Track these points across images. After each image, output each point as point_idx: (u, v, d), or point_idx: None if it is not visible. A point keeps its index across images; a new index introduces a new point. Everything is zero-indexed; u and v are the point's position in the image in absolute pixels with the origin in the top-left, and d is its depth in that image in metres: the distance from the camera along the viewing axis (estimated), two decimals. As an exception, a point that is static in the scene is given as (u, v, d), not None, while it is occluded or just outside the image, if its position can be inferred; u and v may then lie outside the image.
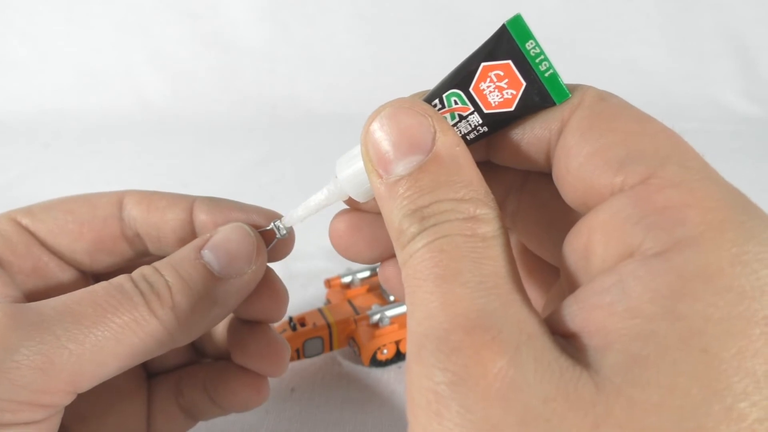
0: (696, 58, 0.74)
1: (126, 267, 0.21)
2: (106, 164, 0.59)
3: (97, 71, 0.74)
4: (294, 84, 0.74)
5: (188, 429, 0.23)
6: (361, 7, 0.75)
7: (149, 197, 0.21)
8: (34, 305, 0.17)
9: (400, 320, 0.28)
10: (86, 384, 0.17)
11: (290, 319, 0.28)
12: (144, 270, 0.18)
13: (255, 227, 0.20)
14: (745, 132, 0.66)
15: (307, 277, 0.38)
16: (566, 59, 0.82)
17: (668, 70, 0.75)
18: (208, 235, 0.19)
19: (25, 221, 0.20)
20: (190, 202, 0.21)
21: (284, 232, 0.21)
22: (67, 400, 0.17)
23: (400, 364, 0.30)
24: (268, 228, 0.21)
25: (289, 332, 0.28)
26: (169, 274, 0.18)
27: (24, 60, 0.74)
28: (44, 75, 0.74)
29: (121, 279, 0.18)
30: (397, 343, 0.29)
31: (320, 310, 0.29)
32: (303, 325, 0.28)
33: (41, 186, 0.54)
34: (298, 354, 0.28)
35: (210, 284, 0.18)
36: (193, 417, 0.23)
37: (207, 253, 0.19)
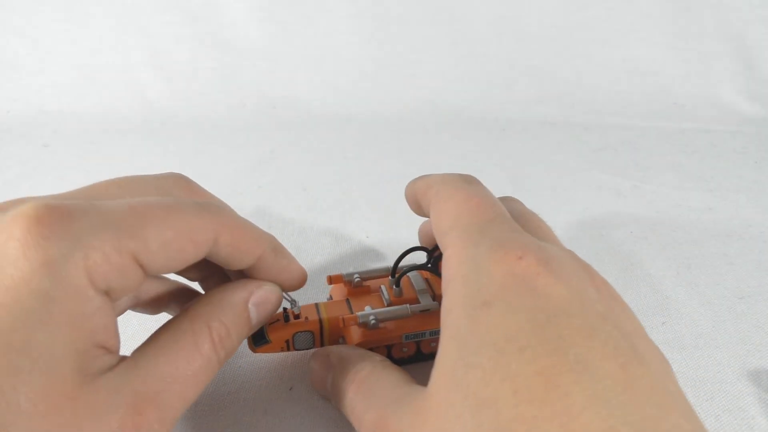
0: (697, 57, 0.74)
1: None
2: (106, 164, 0.58)
3: (97, 71, 0.74)
4: (294, 84, 0.74)
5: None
6: (361, 7, 0.75)
7: (238, 242, 0.23)
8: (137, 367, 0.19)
9: (392, 325, 0.28)
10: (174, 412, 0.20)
11: (284, 309, 0.28)
12: (214, 322, 0.22)
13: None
14: (747, 132, 0.66)
15: (314, 273, 0.38)
16: (566, 59, 0.82)
17: (669, 70, 0.75)
18: (254, 287, 0.24)
19: (141, 258, 0.19)
20: (263, 248, 0.24)
21: (296, 308, 0.28)
22: None
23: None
24: (288, 301, 0.27)
25: (282, 323, 0.28)
26: (231, 327, 0.22)
27: (24, 60, 0.74)
28: (44, 75, 0.74)
29: (201, 332, 0.21)
30: (389, 348, 0.28)
31: (316, 305, 0.29)
32: (297, 317, 0.28)
33: (41, 186, 0.54)
34: (288, 345, 0.28)
35: (247, 331, 0.24)
36: None
37: (252, 309, 0.23)
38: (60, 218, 0.18)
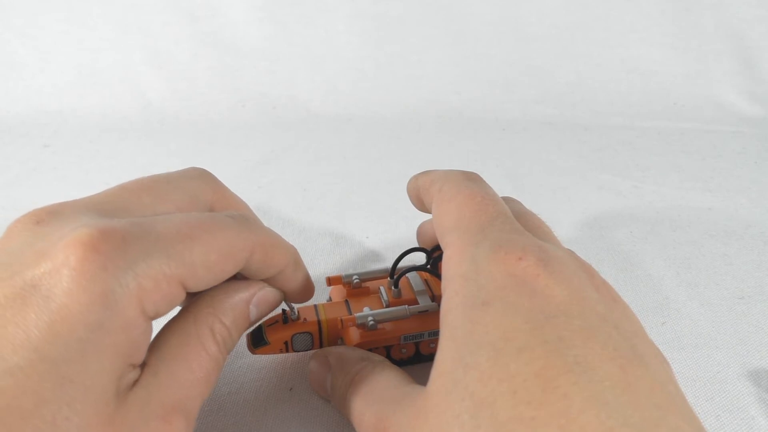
0: (697, 58, 0.74)
1: None
2: (106, 164, 0.58)
3: (97, 71, 0.74)
4: (294, 84, 0.74)
5: None
6: (361, 7, 0.75)
7: (269, 258, 0.23)
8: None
9: (390, 326, 0.28)
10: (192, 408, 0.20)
11: (283, 311, 0.28)
12: (216, 325, 0.22)
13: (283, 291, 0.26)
14: (747, 132, 0.66)
15: (314, 273, 0.38)
16: (566, 59, 0.82)
17: (669, 70, 0.75)
18: (256, 288, 0.24)
19: (187, 282, 0.20)
20: (288, 261, 0.24)
21: (294, 315, 0.28)
22: None
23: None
24: (287, 307, 0.27)
25: (280, 324, 0.28)
26: (232, 328, 0.22)
27: (24, 60, 0.74)
28: (44, 75, 0.74)
29: (206, 336, 0.21)
30: (388, 349, 0.28)
31: (315, 307, 0.29)
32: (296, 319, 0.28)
33: (41, 186, 0.54)
34: (287, 346, 0.28)
35: (246, 329, 0.24)
36: None
37: (253, 309, 0.24)
38: (115, 246, 0.18)
